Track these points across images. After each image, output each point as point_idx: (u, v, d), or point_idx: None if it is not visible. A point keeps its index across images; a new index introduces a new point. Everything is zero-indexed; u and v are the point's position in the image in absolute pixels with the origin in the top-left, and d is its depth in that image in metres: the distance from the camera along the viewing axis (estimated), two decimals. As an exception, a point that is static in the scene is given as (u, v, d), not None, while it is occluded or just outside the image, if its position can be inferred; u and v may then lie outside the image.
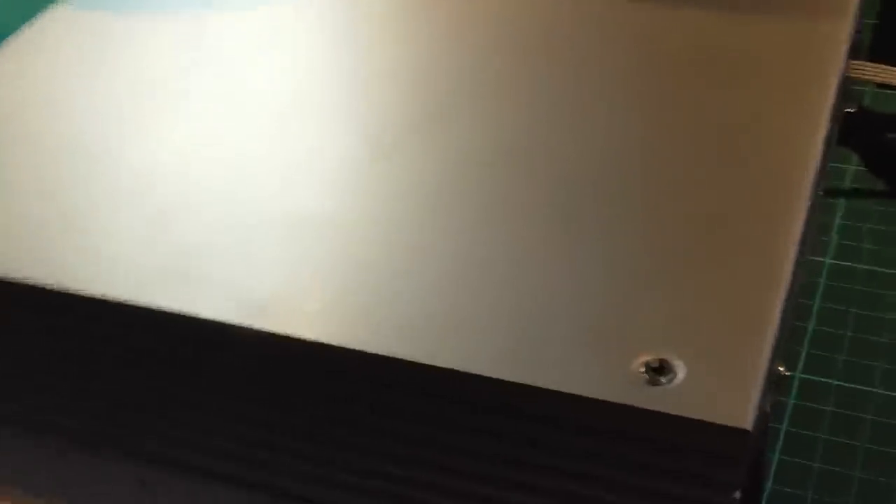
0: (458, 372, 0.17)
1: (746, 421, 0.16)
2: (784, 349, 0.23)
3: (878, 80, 0.28)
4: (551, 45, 0.26)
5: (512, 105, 0.24)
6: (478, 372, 0.17)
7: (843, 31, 0.25)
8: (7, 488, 0.23)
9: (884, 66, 0.28)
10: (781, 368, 0.22)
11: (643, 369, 0.17)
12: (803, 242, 0.20)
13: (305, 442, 0.20)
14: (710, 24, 0.27)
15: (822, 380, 0.24)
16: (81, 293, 0.19)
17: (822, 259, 0.27)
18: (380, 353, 0.17)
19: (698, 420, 0.16)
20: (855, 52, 0.27)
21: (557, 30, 0.27)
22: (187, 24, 0.28)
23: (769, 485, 0.22)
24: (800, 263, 0.21)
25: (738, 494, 0.17)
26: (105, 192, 0.22)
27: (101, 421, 0.22)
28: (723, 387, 0.17)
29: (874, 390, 0.23)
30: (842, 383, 0.24)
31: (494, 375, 0.17)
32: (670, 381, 0.17)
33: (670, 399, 0.17)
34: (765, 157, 0.21)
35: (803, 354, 0.24)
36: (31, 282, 0.19)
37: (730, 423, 0.16)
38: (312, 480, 0.21)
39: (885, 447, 0.22)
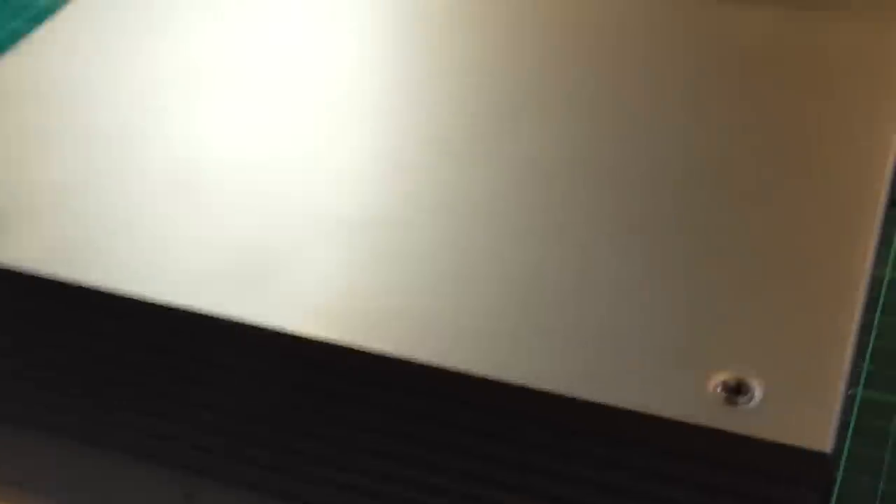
0: (529, 389, 0.16)
1: (827, 444, 0.15)
2: (856, 369, 0.22)
3: None
4: (620, 47, 0.25)
5: (579, 111, 0.23)
6: (550, 390, 0.16)
7: None
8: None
9: None
10: (851, 390, 0.21)
11: (720, 389, 0.17)
12: (876, 256, 0.19)
13: (364, 456, 0.19)
14: (787, 24, 0.26)
15: (884, 396, 0.23)
16: (136, 296, 0.18)
17: (883, 272, 0.26)
18: (447, 366, 0.17)
19: (777, 442, 0.16)
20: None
21: (627, 31, 0.26)
22: (238, 7, 0.27)
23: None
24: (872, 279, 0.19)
25: None
26: (154, 184, 0.21)
27: (146, 430, 0.21)
28: (802, 408, 0.16)
29: None
30: None
31: (568, 393, 0.16)
32: (748, 401, 0.16)
33: (748, 420, 0.16)
34: (838, 167, 0.21)
35: (865, 369, 0.24)
36: (83, 283, 0.19)
37: (810, 447, 0.15)
38: (357, 493, 0.20)
39: None
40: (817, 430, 0.16)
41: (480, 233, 0.20)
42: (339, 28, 0.26)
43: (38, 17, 0.36)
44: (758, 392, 0.17)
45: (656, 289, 0.18)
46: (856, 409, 0.23)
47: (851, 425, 0.22)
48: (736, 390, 0.17)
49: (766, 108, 0.23)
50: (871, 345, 0.24)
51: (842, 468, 0.22)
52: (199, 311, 0.18)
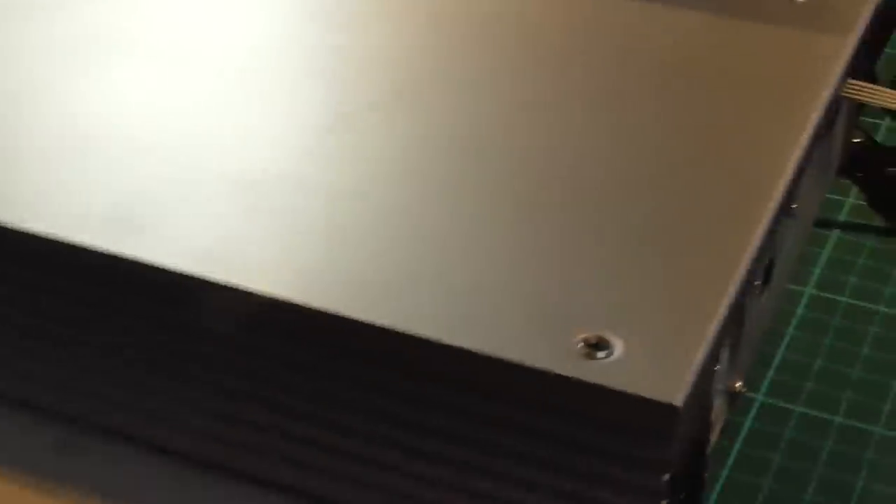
0: (399, 332, 0.18)
1: (678, 398, 0.16)
2: (741, 362, 0.23)
3: (875, 102, 0.28)
4: (539, 42, 0.27)
5: (488, 95, 0.24)
6: (420, 334, 0.17)
7: (843, 48, 0.25)
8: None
9: (881, 89, 0.28)
10: (739, 384, 0.23)
11: (582, 344, 0.18)
12: (764, 253, 0.20)
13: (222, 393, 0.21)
14: (707, 28, 0.27)
15: (785, 405, 0.24)
16: (27, 230, 0.20)
17: (803, 288, 0.27)
18: (321, 307, 0.18)
19: (630, 394, 0.17)
20: (871, 79, 0.27)
21: (548, 27, 0.27)
22: None
23: (714, 498, 0.22)
24: (762, 278, 0.21)
25: (666, 477, 0.17)
26: (54, 136, 0.23)
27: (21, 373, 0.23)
28: (657, 366, 0.17)
29: (835, 418, 0.23)
30: (805, 410, 0.24)
31: (436, 338, 0.17)
32: (607, 356, 0.18)
33: (604, 373, 0.17)
34: (738, 163, 0.22)
35: (768, 378, 0.25)
36: None
37: (661, 399, 0.16)
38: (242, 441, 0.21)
39: (839, 475, 0.22)
40: (670, 386, 0.17)
41: (363, 194, 0.21)
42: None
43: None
44: (617, 349, 0.18)
45: (538, 256, 0.20)
46: (753, 412, 0.24)
47: (746, 427, 0.23)
48: (595, 346, 0.18)
49: (677, 105, 0.24)
50: (779, 357, 0.25)
51: (728, 466, 0.23)
52: (79, 245, 0.19)
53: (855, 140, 0.30)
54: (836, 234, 0.30)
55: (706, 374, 0.18)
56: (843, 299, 0.27)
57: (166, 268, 0.19)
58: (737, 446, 0.23)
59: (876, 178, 0.31)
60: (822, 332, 0.26)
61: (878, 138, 0.33)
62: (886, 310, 0.27)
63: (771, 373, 0.25)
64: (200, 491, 0.22)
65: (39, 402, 0.23)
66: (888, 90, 0.28)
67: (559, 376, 0.17)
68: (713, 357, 0.18)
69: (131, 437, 0.23)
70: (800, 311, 0.27)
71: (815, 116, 0.23)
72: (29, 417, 0.23)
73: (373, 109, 0.24)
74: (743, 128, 0.23)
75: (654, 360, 0.17)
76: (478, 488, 0.20)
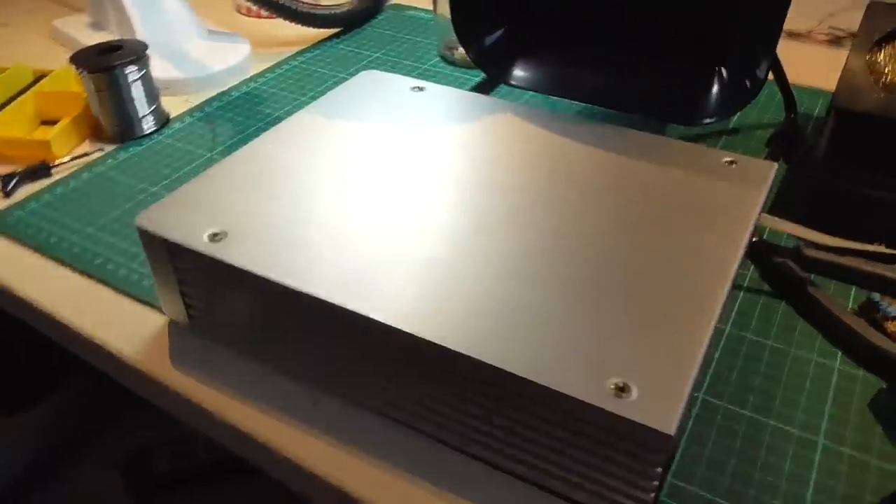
0: (505, 371, 0.27)
1: (671, 430, 0.24)
2: (699, 382, 0.34)
3: (774, 226, 0.41)
4: (571, 181, 0.37)
5: (551, 218, 0.35)
6: (519, 373, 0.27)
7: (759, 195, 0.36)
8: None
9: (778, 219, 0.41)
10: (695, 393, 0.32)
11: (612, 387, 0.26)
12: (720, 317, 0.30)
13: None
14: (674, 177, 0.37)
15: (714, 401, 0.35)
16: (299, 289, 0.31)
17: (724, 327, 0.39)
18: (463, 351, 0.28)
19: (643, 424, 0.24)
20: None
21: (574, 172, 0.38)
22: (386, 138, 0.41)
23: (677, 458, 0.33)
24: (716, 330, 0.30)
25: (660, 469, 0.26)
26: (321, 231, 0.34)
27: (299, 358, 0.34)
28: (660, 405, 0.25)
29: (744, 412, 0.35)
30: (727, 405, 0.35)
31: (527, 376, 0.26)
32: (628, 397, 0.25)
33: (628, 409, 0.25)
34: (702, 266, 0.31)
35: (706, 383, 0.36)
36: (271, 279, 0.31)
37: (662, 430, 0.24)
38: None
39: (753, 450, 0.33)
40: (667, 419, 0.24)
41: (491, 277, 0.31)
42: (432, 150, 0.40)
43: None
44: (634, 392, 0.25)
45: (584, 326, 0.28)
46: (698, 405, 0.35)
47: (694, 414, 0.35)
48: (622, 389, 0.25)
49: (659, 225, 0.34)
50: (711, 369, 0.37)
51: (685, 439, 0.33)
52: (330, 301, 0.30)
53: (753, 238, 0.39)
54: (742, 294, 0.42)
55: (687, 407, 0.26)
56: (747, 335, 0.39)
57: (380, 321, 0.29)
58: (689, 426, 0.34)
59: (766, 264, 0.43)
60: (735, 356, 0.37)
61: (766, 236, 0.45)
62: (773, 342, 0.38)
63: (708, 380, 0.36)
64: (391, 434, 0.33)
65: (309, 380, 0.35)
66: (789, 222, 0.40)
67: (601, 409, 0.25)
68: (691, 395, 0.26)
69: (360, 404, 0.34)
70: (723, 342, 0.38)
71: (747, 234, 0.33)
72: (302, 387, 0.36)
73: (500, 224, 0.34)
74: (700, 239, 0.33)
75: (657, 402, 0.25)
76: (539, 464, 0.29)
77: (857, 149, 0.45)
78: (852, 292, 0.42)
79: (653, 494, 0.28)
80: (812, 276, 0.41)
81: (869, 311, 0.39)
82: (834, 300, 0.40)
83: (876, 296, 0.39)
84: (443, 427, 0.32)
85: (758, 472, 0.32)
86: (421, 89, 0.46)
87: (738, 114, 0.58)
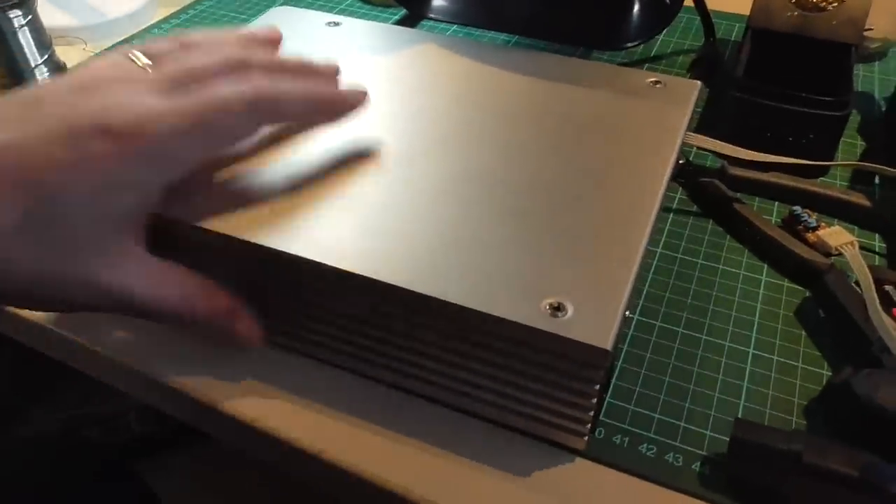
0: (434, 298, 0.26)
1: (608, 344, 0.24)
2: (633, 302, 0.34)
3: (699, 144, 0.42)
4: (495, 107, 0.37)
5: (478, 146, 0.34)
6: (450, 300, 0.26)
7: (685, 114, 0.36)
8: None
9: (703, 137, 0.41)
10: (628, 313, 0.33)
11: (547, 307, 0.26)
12: (651, 235, 0.30)
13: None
14: (600, 99, 0.37)
15: (649, 321, 0.36)
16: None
17: (656, 249, 0.40)
18: (392, 282, 0.27)
19: (580, 341, 0.25)
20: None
21: (518, 100, 0.37)
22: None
23: (614, 379, 0.33)
24: (647, 251, 0.30)
25: (597, 386, 0.27)
26: (239, 171, 0.32)
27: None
28: (596, 323, 0.25)
29: (678, 329, 0.36)
30: (661, 324, 0.36)
31: (459, 302, 0.26)
32: (563, 316, 0.25)
33: (564, 326, 0.25)
34: (628, 185, 0.31)
35: (640, 304, 0.37)
36: (199, 225, 0.29)
37: (599, 345, 0.24)
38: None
39: (688, 365, 0.34)
40: (603, 335, 0.25)
41: (421, 208, 0.30)
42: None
43: None
44: (570, 311, 0.25)
45: (515, 250, 0.28)
46: (633, 327, 0.36)
47: (629, 336, 0.35)
48: (557, 309, 0.25)
49: (586, 149, 0.33)
50: (645, 291, 0.38)
51: (621, 359, 0.34)
52: (256, 242, 0.28)
53: (680, 161, 0.42)
54: (671, 216, 0.42)
55: (621, 324, 0.26)
56: (678, 255, 0.40)
57: (308, 258, 0.28)
58: (625, 348, 0.35)
59: (692, 184, 0.44)
60: (667, 276, 0.38)
61: (691, 158, 0.46)
62: (702, 261, 0.39)
63: (642, 301, 0.37)
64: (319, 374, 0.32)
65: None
66: (711, 139, 0.40)
67: (537, 329, 0.25)
68: (625, 312, 0.26)
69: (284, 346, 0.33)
70: (654, 263, 0.39)
71: (674, 153, 0.33)
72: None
73: (425, 154, 0.33)
74: (628, 160, 0.33)
75: (593, 319, 0.25)
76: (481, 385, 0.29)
77: (774, 66, 0.46)
78: (775, 207, 0.43)
79: (591, 413, 0.28)
80: (738, 195, 0.42)
81: (791, 224, 0.40)
82: (759, 216, 0.41)
83: (797, 208, 0.40)
84: (376, 364, 0.32)
85: (692, 386, 0.33)
86: (337, 24, 0.44)
87: (659, 41, 0.58)
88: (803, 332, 0.36)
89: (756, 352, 0.35)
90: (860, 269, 0.35)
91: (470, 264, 0.27)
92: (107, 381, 0.36)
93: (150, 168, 0.28)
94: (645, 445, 0.31)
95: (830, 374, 0.34)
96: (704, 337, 0.35)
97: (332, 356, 0.33)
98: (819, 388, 0.33)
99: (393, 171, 0.33)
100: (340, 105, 0.33)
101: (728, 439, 0.29)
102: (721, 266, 0.39)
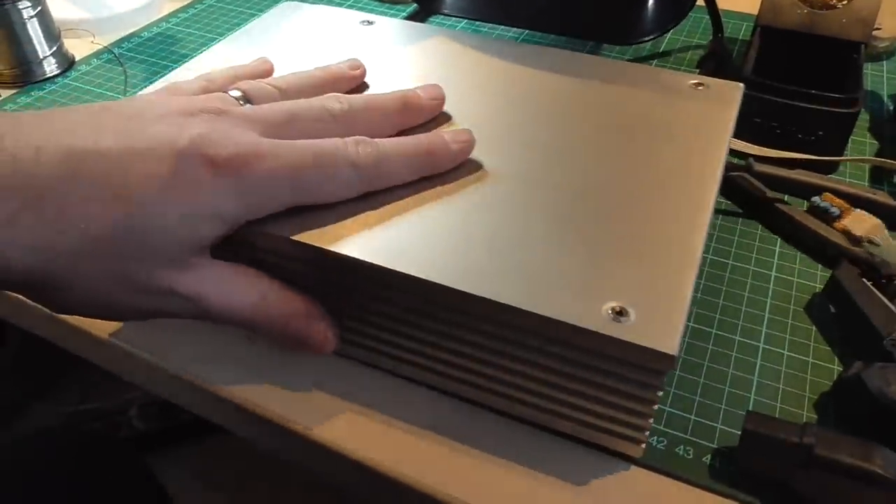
0: (499, 303, 0.26)
1: (674, 349, 0.24)
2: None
3: (746, 150, 0.41)
4: (540, 109, 0.36)
5: (528, 149, 0.33)
6: (514, 304, 0.25)
7: (731, 114, 0.35)
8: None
9: (749, 145, 0.41)
10: None
11: (610, 312, 0.25)
12: (706, 243, 0.28)
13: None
14: (645, 101, 0.36)
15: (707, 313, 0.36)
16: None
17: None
18: (453, 286, 0.26)
19: (644, 346, 0.24)
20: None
21: (561, 101, 0.37)
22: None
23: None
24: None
25: (660, 393, 0.26)
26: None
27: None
28: (660, 328, 0.24)
29: (712, 331, 0.35)
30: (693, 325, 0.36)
31: (523, 307, 0.25)
32: (626, 320, 0.24)
33: (628, 332, 0.24)
34: (683, 188, 0.30)
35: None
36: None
37: (664, 350, 0.24)
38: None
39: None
40: (669, 340, 0.24)
41: (475, 213, 0.29)
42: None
43: None
44: (633, 315, 0.24)
45: (574, 254, 0.27)
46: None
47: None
48: (619, 313, 0.25)
49: (638, 151, 0.32)
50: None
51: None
52: (305, 243, 0.28)
53: None
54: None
55: (686, 328, 0.25)
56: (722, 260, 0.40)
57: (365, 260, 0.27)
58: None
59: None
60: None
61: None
62: (712, 256, 0.39)
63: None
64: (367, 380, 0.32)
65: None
66: (754, 145, 0.40)
67: (601, 334, 0.24)
68: (687, 318, 0.25)
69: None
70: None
71: (724, 157, 0.32)
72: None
73: (476, 157, 0.32)
74: (681, 164, 0.31)
75: (657, 323, 0.24)
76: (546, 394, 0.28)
77: (782, 63, 0.46)
78: (804, 203, 0.43)
79: (650, 420, 0.27)
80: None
81: (818, 214, 0.40)
82: (794, 207, 0.41)
83: (816, 199, 0.40)
84: (431, 370, 0.31)
85: (701, 380, 0.33)
86: (370, 23, 0.44)
87: (666, 38, 0.58)
88: (814, 328, 0.36)
89: (766, 347, 0.35)
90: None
91: (529, 268, 0.27)
92: (145, 385, 0.36)
93: (239, 203, 0.27)
94: (655, 438, 0.31)
95: (840, 369, 0.34)
96: (714, 331, 0.35)
97: (384, 361, 0.32)
98: (829, 383, 0.33)
99: (445, 175, 0.32)
100: (444, 163, 0.32)
101: (739, 432, 0.29)
102: (731, 262, 0.39)
